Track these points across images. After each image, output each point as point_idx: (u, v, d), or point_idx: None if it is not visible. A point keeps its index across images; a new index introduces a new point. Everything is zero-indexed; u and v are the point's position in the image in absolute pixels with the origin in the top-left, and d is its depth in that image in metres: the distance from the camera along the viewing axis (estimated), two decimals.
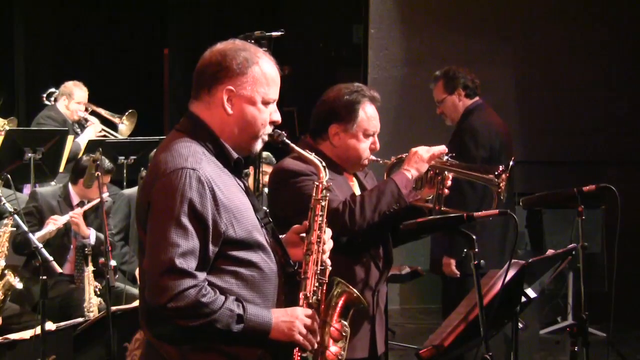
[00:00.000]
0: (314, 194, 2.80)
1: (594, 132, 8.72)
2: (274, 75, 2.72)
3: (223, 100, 2.66)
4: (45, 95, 8.33)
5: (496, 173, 3.69)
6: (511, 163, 3.77)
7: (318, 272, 2.75)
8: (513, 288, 3.47)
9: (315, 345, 2.70)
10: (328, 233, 2.83)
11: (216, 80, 2.66)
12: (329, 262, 2.79)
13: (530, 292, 3.65)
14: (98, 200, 6.09)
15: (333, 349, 2.76)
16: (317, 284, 2.74)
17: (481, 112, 5.47)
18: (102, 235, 6.11)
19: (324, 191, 2.80)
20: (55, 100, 8.21)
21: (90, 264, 5.84)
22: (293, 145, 2.83)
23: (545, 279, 3.84)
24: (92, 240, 6.08)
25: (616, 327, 4.47)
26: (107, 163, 6.13)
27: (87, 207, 6.10)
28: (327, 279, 2.77)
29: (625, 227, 4.09)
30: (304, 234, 2.80)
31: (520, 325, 3.92)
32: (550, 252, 3.83)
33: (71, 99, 8.03)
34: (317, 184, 2.81)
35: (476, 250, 3.15)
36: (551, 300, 7.52)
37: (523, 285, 3.58)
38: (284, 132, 2.79)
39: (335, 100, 3.54)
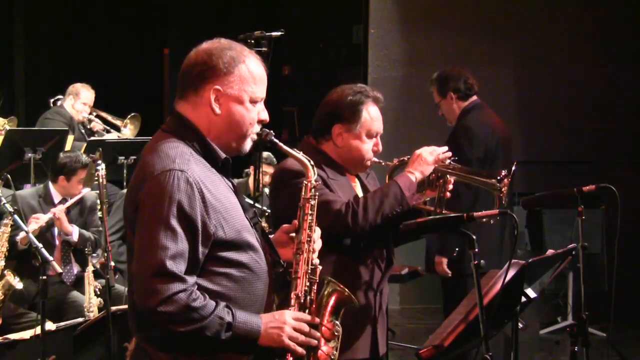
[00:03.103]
0: (302, 193, 2.79)
1: (594, 132, 8.73)
2: (261, 73, 2.70)
3: (210, 100, 2.64)
4: (52, 100, 8.40)
5: (498, 178, 3.68)
6: (513, 167, 3.76)
7: (309, 271, 2.73)
8: (513, 288, 3.47)
9: (314, 343, 2.67)
10: (317, 232, 2.81)
11: (203, 80, 2.64)
12: (317, 261, 2.77)
13: (530, 292, 3.65)
14: (79, 196, 6.11)
15: (325, 348, 2.75)
16: (308, 284, 2.72)
17: (477, 112, 5.45)
18: (85, 233, 6.12)
19: (313, 190, 2.79)
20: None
21: (90, 264, 5.85)
22: (281, 144, 2.80)
23: (545, 279, 3.84)
24: (75, 237, 6.06)
25: (616, 327, 4.47)
26: (84, 158, 6.13)
27: (69, 203, 6.08)
28: (317, 279, 2.76)
29: (625, 227, 4.09)
30: (293, 234, 2.78)
31: (520, 325, 3.91)
32: (550, 252, 3.83)
33: (77, 98, 8.15)
34: (306, 182, 2.80)
35: (476, 250, 3.15)
36: (551, 300, 7.52)
37: (523, 285, 3.58)
38: (271, 131, 2.77)
39: (339, 101, 3.54)
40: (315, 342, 2.68)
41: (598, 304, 4.22)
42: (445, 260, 5.23)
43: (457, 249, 5.14)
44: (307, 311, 2.70)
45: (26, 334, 4.83)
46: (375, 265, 3.55)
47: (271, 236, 2.84)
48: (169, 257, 2.46)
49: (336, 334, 2.81)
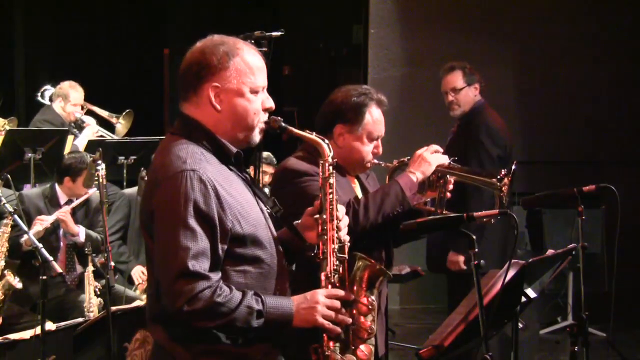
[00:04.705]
0: (320, 172, 2.77)
1: (594, 132, 8.73)
2: (258, 62, 2.69)
3: (211, 98, 2.64)
4: (39, 93, 8.32)
5: (498, 177, 3.68)
6: (513, 167, 3.77)
7: (336, 249, 2.72)
8: (513, 288, 3.47)
9: (349, 321, 2.67)
10: (342, 209, 2.79)
11: (200, 79, 2.65)
12: (347, 238, 2.76)
13: (530, 292, 3.65)
14: (86, 196, 6.10)
15: (364, 322, 2.76)
16: (337, 263, 2.71)
17: (489, 111, 5.61)
18: (92, 233, 6.11)
19: (331, 167, 2.77)
20: (51, 100, 8.19)
21: (90, 264, 5.84)
22: (292, 128, 2.78)
23: (545, 279, 3.84)
24: (82, 238, 6.05)
25: (616, 327, 4.46)
26: (89, 158, 6.10)
27: (74, 204, 6.07)
28: (347, 256, 2.75)
29: (625, 227, 4.08)
30: (317, 215, 2.75)
31: (520, 325, 3.91)
32: (550, 252, 3.83)
33: (67, 101, 7.98)
34: (322, 161, 2.78)
35: (476, 250, 3.15)
36: (551, 300, 7.52)
37: (523, 285, 3.58)
38: (280, 117, 2.75)
39: (343, 101, 3.55)
40: (350, 320, 2.68)
41: (598, 304, 4.21)
42: (462, 258, 5.26)
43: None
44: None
45: (26, 334, 4.82)
46: None
47: (295, 222, 2.82)
48: (191, 257, 2.47)
49: (370, 307, 2.80)
